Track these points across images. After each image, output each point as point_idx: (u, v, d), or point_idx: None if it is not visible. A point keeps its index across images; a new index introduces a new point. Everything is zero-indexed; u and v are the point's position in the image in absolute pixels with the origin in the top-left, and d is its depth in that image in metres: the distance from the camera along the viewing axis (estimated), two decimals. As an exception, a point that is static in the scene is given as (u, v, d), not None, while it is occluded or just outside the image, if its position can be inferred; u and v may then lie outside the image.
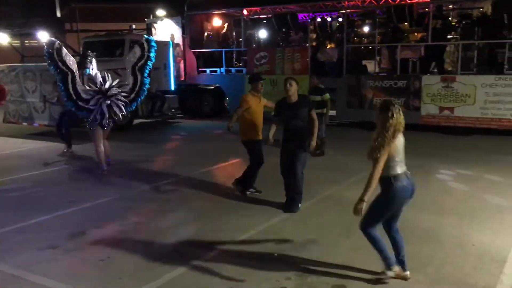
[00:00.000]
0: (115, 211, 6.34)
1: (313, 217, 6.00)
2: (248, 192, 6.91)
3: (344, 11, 13.92)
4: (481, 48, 11.79)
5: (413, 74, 12.21)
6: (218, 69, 15.37)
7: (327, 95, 9.27)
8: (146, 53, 8.48)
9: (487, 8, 13.16)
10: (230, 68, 15.32)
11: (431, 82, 11.67)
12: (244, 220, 5.88)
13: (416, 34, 14.04)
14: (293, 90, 6.06)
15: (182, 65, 15.94)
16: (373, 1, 13.08)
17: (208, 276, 4.42)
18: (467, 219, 5.76)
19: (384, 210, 4.10)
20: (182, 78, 15.90)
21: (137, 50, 8.58)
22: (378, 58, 13.62)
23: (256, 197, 6.82)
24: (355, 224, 5.61)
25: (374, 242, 4.19)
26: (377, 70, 13.52)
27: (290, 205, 6.21)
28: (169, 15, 16.89)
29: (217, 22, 16.64)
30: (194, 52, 15.70)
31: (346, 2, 13.50)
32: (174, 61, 15.42)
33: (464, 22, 12.72)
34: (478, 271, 4.41)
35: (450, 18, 13.64)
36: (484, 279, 4.27)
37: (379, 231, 4.24)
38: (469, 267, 4.48)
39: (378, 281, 4.24)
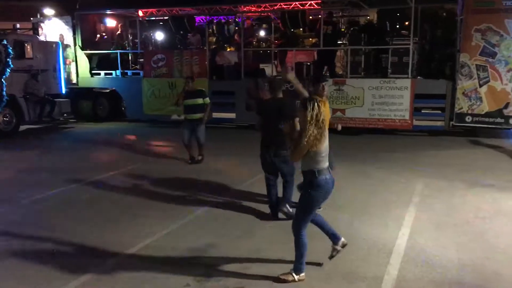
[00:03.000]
0: (5, 224, 5.80)
1: (213, 221, 5.95)
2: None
3: (240, 15, 14.10)
4: (367, 53, 12.59)
5: (307, 77, 12.68)
6: (113, 72, 14.75)
7: (208, 99, 9.00)
8: (3, 59, 8.21)
9: (373, 16, 14.12)
10: (126, 71, 14.78)
11: (324, 85, 12.20)
12: (142, 227, 5.68)
13: (311, 39, 14.65)
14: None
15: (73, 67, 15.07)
16: (268, 6, 13.40)
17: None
18: (359, 214, 6.08)
19: (313, 204, 4.25)
20: (74, 81, 15.04)
21: None
22: (275, 61, 13.96)
23: (154, 203, 6.63)
24: (254, 226, 5.74)
25: (301, 246, 4.27)
26: (274, 73, 13.85)
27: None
28: (58, 14, 15.84)
29: (111, 22, 15.98)
30: (86, 53, 14.91)
31: (242, 7, 13.68)
32: (64, 63, 14.54)
33: (352, 28, 13.51)
34: (368, 263, 4.65)
35: (340, 25, 14.42)
36: (373, 270, 4.51)
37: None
38: (360, 260, 4.72)
39: (277, 280, 4.29)
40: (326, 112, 5.64)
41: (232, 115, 13.50)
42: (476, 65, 10.76)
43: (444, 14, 12.81)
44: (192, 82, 8.91)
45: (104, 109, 14.95)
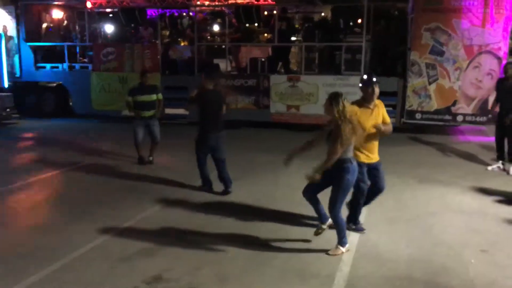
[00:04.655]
0: None
1: (163, 221, 5.76)
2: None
3: (194, 9, 13.82)
4: (321, 50, 12.64)
5: (262, 73, 12.61)
6: (60, 65, 14.10)
7: (161, 95, 8.67)
8: None
9: (327, 13, 14.19)
10: (74, 64, 14.15)
11: (278, 81, 12.18)
12: (88, 228, 5.42)
13: (266, 34, 14.56)
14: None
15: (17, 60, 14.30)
16: (222, 1, 13.18)
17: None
18: (312, 211, 6.01)
19: (350, 187, 4.70)
20: (17, 75, 14.28)
21: None
22: (229, 57, 13.79)
23: (101, 203, 6.35)
24: (206, 225, 5.59)
25: (341, 224, 4.77)
26: (229, 69, 13.69)
27: None
28: (1, 4, 14.98)
29: (57, 13, 15.27)
30: (31, 46, 14.18)
31: (195, 0, 13.39)
32: (8, 55, 13.79)
33: (306, 25, 13.51)
34: (321, 260, 4.63)
35: (294, 21, 14.40)
36: (326, 267, 4.50)
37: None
38: (313, 258, 4.68)
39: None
40: (381, 115, 5.09)
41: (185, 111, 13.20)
42: (426, 63, 11.01)
43: (396, 12, 13.04)
44: (147, 76, 8.54)
45: (50, 104, 14.28)
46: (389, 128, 5.17)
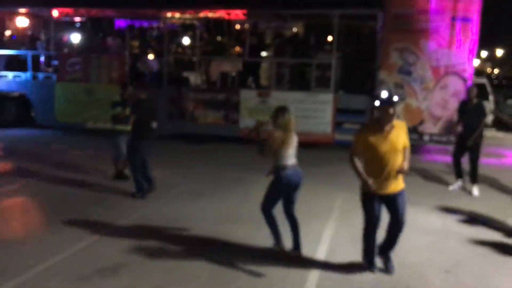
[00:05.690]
0: None
1: (126, 239, 5.51)
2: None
3: (164, 21, 13.66)
4: (292, 66, 12.64)
5: (232, 88, 12.50)
6: (22, 74, 13.64)
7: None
8: None
9: (299, 29, 14.25)
10: (37, 74, 13.72)
11: (248, 97, 12.09)
12: (45, 247, 5.15)
13: (237, 49, 14.50)
14: None
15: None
16: (193, 13, 13.07)
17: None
18: (281, 228, 5.89)
19: (275, 193, 4.91)
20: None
21: None
22: (200, 69, 13.64)
23: (64, 217, 6.06)
24: (172, 242, 5.40)
25: (269, 222, 4.99)
26: (199, 82, 13.54)
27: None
28: (-38, 10, 14.47)
29: (22, 21, 14.83)
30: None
31: (166, 12, 13.24)
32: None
33: (277, 40, 13.52)
34: (285, 281, 4.51)
35: (265, 36, 14.41)
36: (291, 286, 4.34)
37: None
38: (277, 278, 4.56)
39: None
40: (401, 137, 4.48)
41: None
42: (394, 82, 11.13)
43: (367, 30, 13.20)
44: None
45: (11, 114, 13.76)
46: (407, 156, 4.58)
